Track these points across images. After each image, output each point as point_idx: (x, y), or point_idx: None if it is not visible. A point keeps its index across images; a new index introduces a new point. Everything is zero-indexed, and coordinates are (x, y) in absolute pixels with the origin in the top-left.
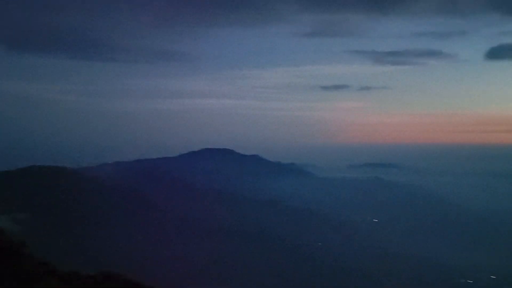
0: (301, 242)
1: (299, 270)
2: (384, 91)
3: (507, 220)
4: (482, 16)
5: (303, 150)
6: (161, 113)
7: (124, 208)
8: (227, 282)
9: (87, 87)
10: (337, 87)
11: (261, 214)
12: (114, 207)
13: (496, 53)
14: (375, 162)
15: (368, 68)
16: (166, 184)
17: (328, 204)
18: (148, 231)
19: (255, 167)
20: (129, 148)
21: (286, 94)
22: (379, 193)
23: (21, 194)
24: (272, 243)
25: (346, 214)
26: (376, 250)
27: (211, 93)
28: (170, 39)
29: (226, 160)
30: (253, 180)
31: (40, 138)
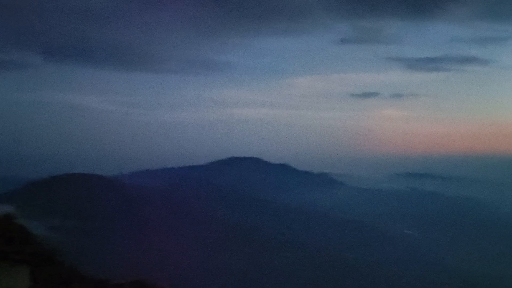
0: (341, 253)
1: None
2: (418, 98)
3: None
4: None
5: (334, 160)
6: (199, 122)
7: (161, 214)
8: None
9: (132, 98)
10: (368, 95)
11: (299, 223)
12: (148, 214)
13: None
14: (410, 172)
15: (401, 75)
16: (201, 191)
17: (364, 215)
18: (193, 240)
19: (284, 176)
20: (162, 156)
21: (317, 103)
22: (418, 204)
23: (55, 201)
24: (314, 253)
25: (387, 225)
26: (422, 263)
27: (249, 102)
28: (213, 50)
29: (254, 169)
30: (282, 189)
31: (79, 147)
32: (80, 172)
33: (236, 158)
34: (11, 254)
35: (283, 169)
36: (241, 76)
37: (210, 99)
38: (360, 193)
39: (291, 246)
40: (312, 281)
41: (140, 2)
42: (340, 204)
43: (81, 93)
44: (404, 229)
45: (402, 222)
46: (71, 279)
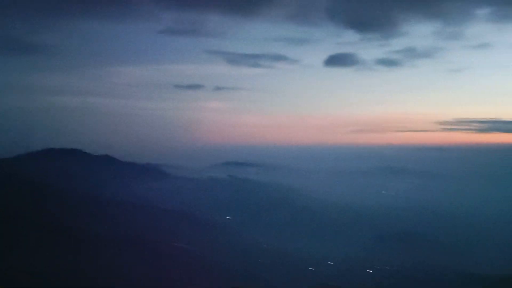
0: (169, 243)
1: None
2: (239, 92)
3: (357, 213)
4: (324, 26)
5: (160, 150)
6: (8, 110)
7: None
8: None
9: None
10: (192, 87)
11: (123, 217)
12: None
13: (333, 61)
14: (232, 162)
15: (223, 69)
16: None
17: (190, 204)
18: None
19: (106, 168)
20: None
21: (143, 93)
22: (238, 191)
23: None
24: (140, 245)
25: (210, 213)
26: (235, 245)
27: (69, 89)
28: (28, 31)
29: (73, 161)
30: (105, 182)
31: None
32: None
33: (52, 149)
34: None
35: (106, 160)
36: (60, 61)
37: (23, 84)
38: (185, 183)
39: (115, 241)
40: (139, 275)
41: None
42: (166, 195)
43: None
44: (226, 216)
45: (224, 209)
46: None
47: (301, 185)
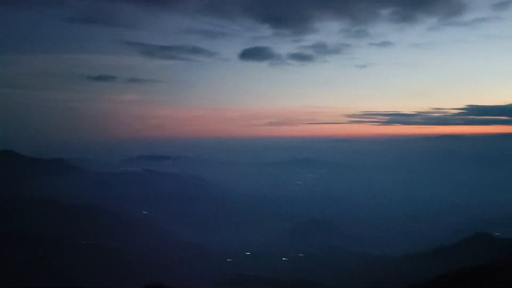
0: (79, 241)
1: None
2: (154, 84)
3: (273, 203)
4: (240, 20)
5: (69, 144)
6: None
7: None
8: None
9: None
10: (104, 78)
11: (31, 214)
12: None
13: (248, 54)
14: (147, 155)
15: (138, 60)
16: None
17: (103, 199)
18: None
19: (8, 164)
20: None
21: (50, 83)
22: (153, 184)
23: None
24: (52, 243)
25: (119, 208)
26: (152, 241)
27: None
28: None
29: None
30: (7, 179)
31: None
32: None
33: None
34: None
35: (8, 156)
36: None
37: None
38: (97, 177)
39: (23, 240)
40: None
41: None
42: (76, 190)
43: None
44: (142, 210)
45: (139, 204)
46: None
47: (217, 177)
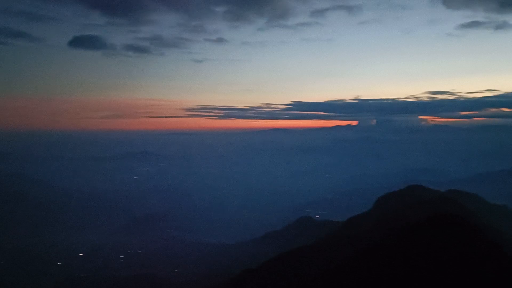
0: None
1: None
2: None
3: (109, 199)
4: (70, 4)
5: None
6: None
7: None
8: None
9: None
10: None
11: None
12: None
13: (79, 42)
14: None
15: None
16: None
17: None
18: None
19: None
20: None
21: None
22: None
23: None
24: None
25: None
26: None
27: None
28: None
29: None
30: None
31: None
32: None
33: None
34: None
35: None
36: None
37: None
38: None
39: None
40: None
41: None
42: None
43: None
44: None
45: None
46: None
47: (43, 174)
